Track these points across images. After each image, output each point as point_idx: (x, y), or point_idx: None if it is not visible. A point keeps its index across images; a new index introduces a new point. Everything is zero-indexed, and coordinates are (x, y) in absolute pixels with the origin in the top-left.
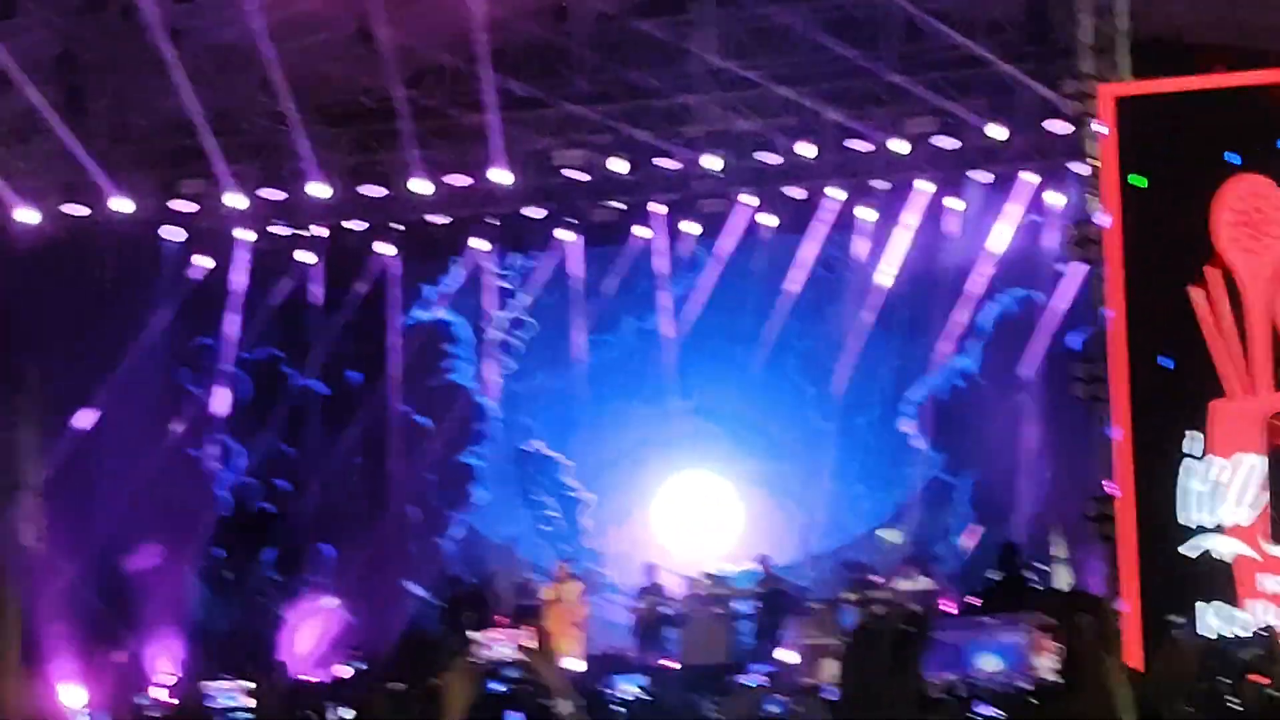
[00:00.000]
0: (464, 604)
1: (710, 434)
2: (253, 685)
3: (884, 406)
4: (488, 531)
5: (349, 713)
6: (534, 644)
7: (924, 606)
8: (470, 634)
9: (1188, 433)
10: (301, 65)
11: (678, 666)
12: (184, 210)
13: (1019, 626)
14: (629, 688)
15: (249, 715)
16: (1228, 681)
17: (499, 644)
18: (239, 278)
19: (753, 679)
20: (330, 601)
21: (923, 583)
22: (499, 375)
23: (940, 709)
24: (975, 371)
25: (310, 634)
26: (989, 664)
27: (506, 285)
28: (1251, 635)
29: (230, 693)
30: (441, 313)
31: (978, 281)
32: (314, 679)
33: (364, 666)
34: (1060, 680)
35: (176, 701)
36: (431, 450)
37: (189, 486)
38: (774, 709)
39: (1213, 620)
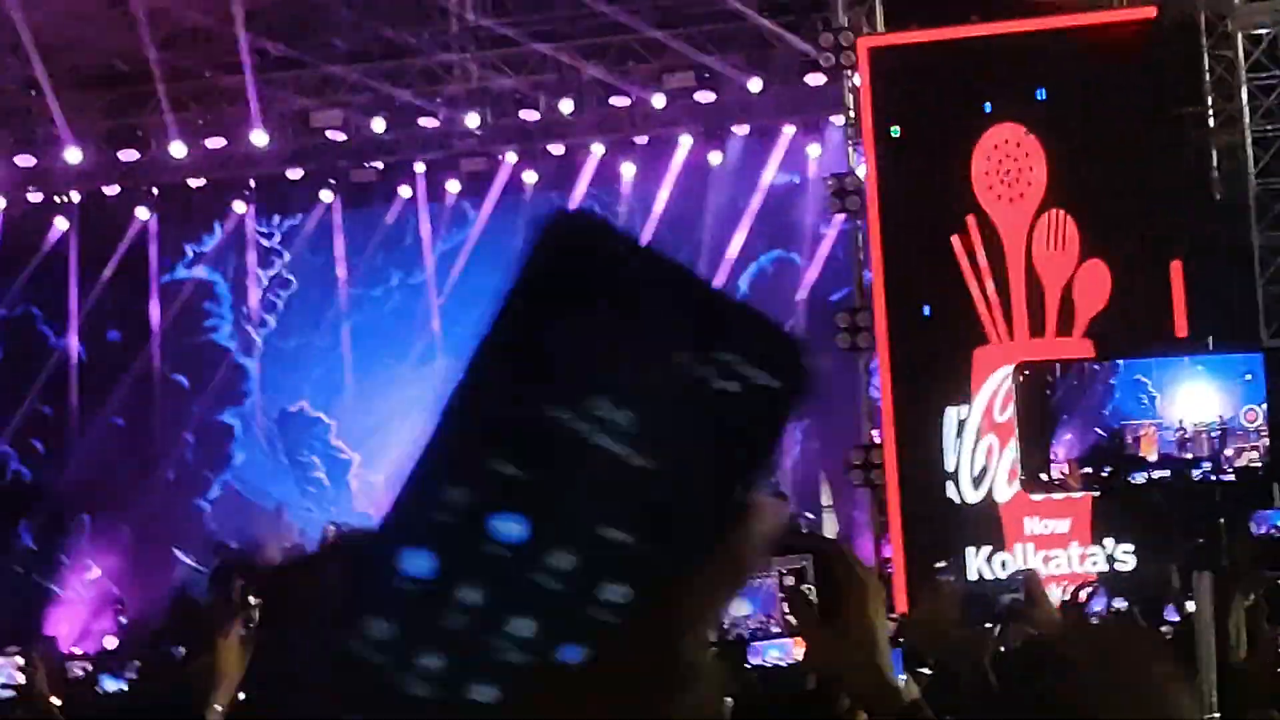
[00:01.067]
0: (233, 570)
1: None
2: (22, 660)
3: None
4: (253, 495)
5: (118, 683)
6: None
7: None
8: (241, 600)
9: (951, 378)
10: (53, 29)
11: None
12: None
13: (768, 571)
14: None
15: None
16: (994, 625)
17: None
18: None
19: None
20: (94, 571)
21: None
22: (261, 335)
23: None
24: None
25: (76, 604)
26: (738, 608)
27: (269, 245)
28: (1009, 578)
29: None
30: (202, 272)
31: (739, 235)
32: (81, 650)
33: (132, 637)
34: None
35: None
36: (192, 411)
37: None
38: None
39: (980, 565)
